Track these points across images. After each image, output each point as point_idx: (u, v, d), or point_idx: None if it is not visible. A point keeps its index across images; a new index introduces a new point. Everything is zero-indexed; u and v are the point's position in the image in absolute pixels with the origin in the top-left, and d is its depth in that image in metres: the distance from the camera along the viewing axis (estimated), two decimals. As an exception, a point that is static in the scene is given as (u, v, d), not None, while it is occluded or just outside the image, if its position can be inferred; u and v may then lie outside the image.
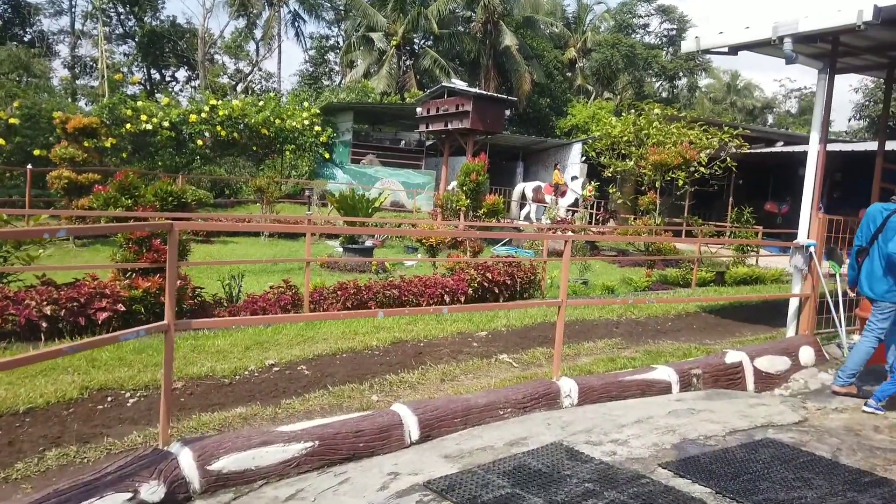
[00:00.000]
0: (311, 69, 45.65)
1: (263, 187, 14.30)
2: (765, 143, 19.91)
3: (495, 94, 15.98)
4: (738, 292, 10.84)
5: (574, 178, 18.27)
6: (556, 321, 5.05)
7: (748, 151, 17.87)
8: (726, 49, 6.98)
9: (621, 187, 20.76)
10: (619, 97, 43.05)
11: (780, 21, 6.11)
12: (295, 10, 46.19)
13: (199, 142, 19.90)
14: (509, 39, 35.92)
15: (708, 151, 13.24)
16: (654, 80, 48.62)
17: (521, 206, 18.53)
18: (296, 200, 20.93)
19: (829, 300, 6.56)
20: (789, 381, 6.05)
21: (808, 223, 6.57)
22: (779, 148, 19.09)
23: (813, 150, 6.48)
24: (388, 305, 7.65)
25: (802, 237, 6.58)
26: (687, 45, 6.97)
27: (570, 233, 16.48)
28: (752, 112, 54.48)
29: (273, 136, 20.90)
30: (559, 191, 17.77)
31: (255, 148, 21.45)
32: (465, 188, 9.67)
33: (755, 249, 13.77)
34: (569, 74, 43.90)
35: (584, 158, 21.34)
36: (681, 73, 49.34)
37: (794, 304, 6.66)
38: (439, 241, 10.10)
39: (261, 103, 21.90)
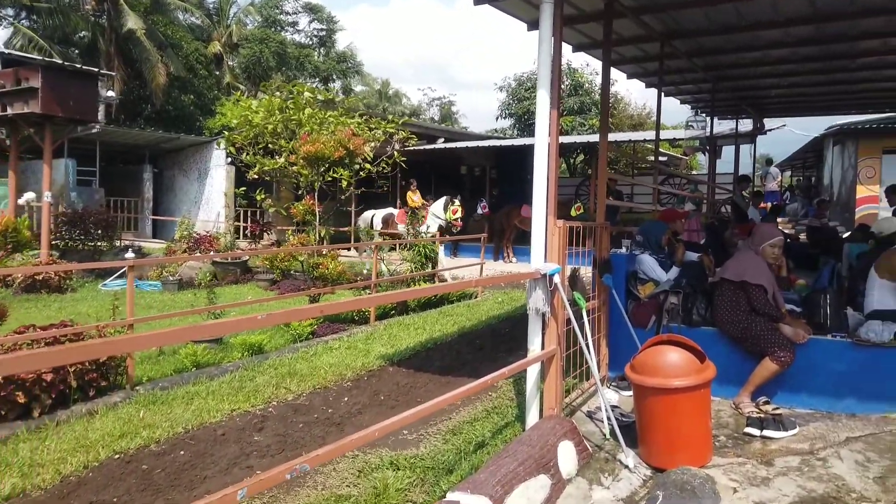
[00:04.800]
0: None
1: None
2: (427, 140, 18.67)
3: (79, 66, 11.24)
4: (427, 321, 8.45)
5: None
6: None
7: (413, 148, 16.20)
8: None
9: (278, 192, 17.49)
10: (273, 97, 39.91)
11: None
12: None
13: None
14: (133, 22, 29.82)
15: (373, 145, 10.76)
16: (308, 80, 46.56)
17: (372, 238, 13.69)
18: None
19: (587, 350, 4.19)
20: (555, 517, 3.45)
21: (545, 237, 4.10)
22: (441, 144, 18.00)
23: (543, 120, 4.02)
24: None
25: (538, 259, 4.08)
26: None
27: (213, 253, 12.65)
28: (401, 118, 56.31)
29: None
30: (416, 217, 13.52)
31: None
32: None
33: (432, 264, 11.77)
34: (217, 73, 39.22)
35: (230, 160, 17.47)
36: (334, 76, 48.26)
37: (533, 372, 4.14)
38: None
39: None
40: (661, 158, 23.44)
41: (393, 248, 12.56)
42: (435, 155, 19.08)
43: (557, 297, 4.07)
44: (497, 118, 27.33)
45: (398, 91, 59.83)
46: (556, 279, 4.01)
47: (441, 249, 12.59)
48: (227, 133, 10.74)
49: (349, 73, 47.42)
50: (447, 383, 5.89)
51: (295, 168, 9.00)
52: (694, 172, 25.40)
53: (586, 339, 4.32)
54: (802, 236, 13.00)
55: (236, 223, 16.73)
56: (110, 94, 15.47)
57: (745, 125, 12.68)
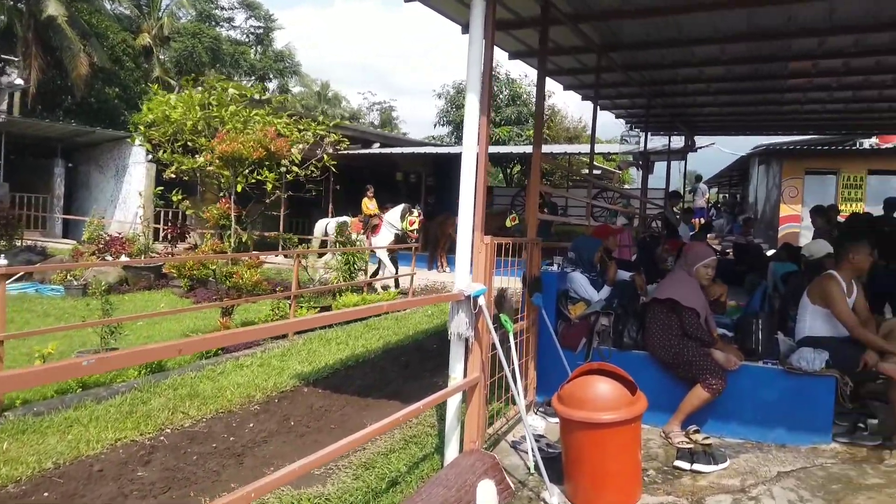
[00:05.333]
0: None
1: None
2: (361, 144, 18.19)
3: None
4: (350, 335, 7.98)
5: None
6: None
7: (346, 152, 15.70)
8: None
9: (202, 194, 16.60)
10: (192, 92, 38.42)
11: None
12: None
13: None
14: (55, 9, 28.09)
15: (301, 147, 10.23)
16: (243, 78, 45.18)
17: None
18: None
19: (512, 379, 3.87)
20: (472, 570, 3.09)
21: (471, 253, 3.76)
22: (377, 149, 17.54)
23: (472, 127, 3.69)
24: None
25: (463, 279, 3.74)
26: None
27: (124, 257, 11.82)
28: (333, 120, 55.42)
29: None
30: (369, 225, 12.55)
31: None
32: None
33: (364, 269, 11.33)
34: (146, 66, 37.50)
35: (150, 156, 16.50)
36: (271, 75, 47.05)
37: (454, 402, 3.79)
38: None
39: None
40: (595, 172, 23.74)
41: (323, 255, 12.04)
42: (370, 160, 18.61)
43: (482, 320, 3.73)
44: (435, 125, 27.06)
45: (338, 94, 58.88)
46: (482, 301, 3.67)
47: (386, 257, 12.11)
48: (142, 128, 9.99)
49: (286, 73, 46.32)
50: (366, 406, 5.48)
51: (211, 168, 8.39)
52: (626, 186, 25.83)
53: (512, 366, 4.01)
54: (729, 252, 13.24)
55: (155, 225, 15.76)
56: (18, 81, 14.27)
57: (677, 142, 12.83)
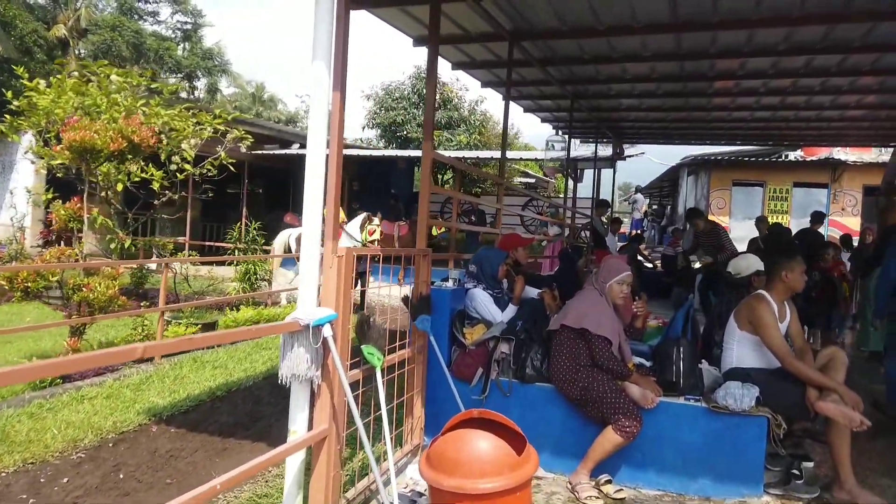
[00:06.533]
0: None
1: None
2: (279, 144, 17.07)
3: None
4: (233, 357, 6.97)
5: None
6: None
7: (260, 152, 14.63)
8: None
9: (98, 194, 15.14)
10: (66, 77, 36.28)
11: None
12: None
13: None
14: (-49, -9, 25.95)
15: (195, 142, 9.14)
16: (168, 75, 42.98)
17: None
18: None
19: (363, 430, 3.00)
20: None
21: (318, 269, 2.91)
22: (296, 150, 16.45)
23: (320, 106, 2.85)
24: None
25: (306, 304, 2.87)
26: None
27: (-8, 265, 10.42)
28: (231, 113, 53.68)
29: None
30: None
31: None
32: None
33: (266, 278, 10.33)
34: (65, 60, 35.11)
35: (27, 151, 14.90)
36: (199, 73, 45.02)
37: (295, 463, 2.91)
38: None
39: None
40: (528, 180, 23.26)
41: (219, 264, 10.93)
42: (290, 162, 17.51)
43: (332, 361, 2.87)
44: (364, 128, 26.07)
45: (274, 96, 56.95)
46: (327, 331, 2.81)
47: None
48: (8, 118, 8.70)
49: (215, 72, 44.31)
50: (223, 450, 4.54)
51: (59, 161, 7.23)
52: (561, 196, 25.49)
53: (379, 411, 3.17)
54: (658, 264, 12.86)
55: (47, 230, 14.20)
56: None
57: (607, 150, 12.36)
